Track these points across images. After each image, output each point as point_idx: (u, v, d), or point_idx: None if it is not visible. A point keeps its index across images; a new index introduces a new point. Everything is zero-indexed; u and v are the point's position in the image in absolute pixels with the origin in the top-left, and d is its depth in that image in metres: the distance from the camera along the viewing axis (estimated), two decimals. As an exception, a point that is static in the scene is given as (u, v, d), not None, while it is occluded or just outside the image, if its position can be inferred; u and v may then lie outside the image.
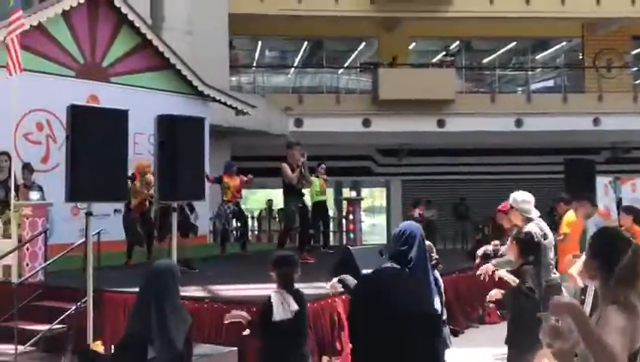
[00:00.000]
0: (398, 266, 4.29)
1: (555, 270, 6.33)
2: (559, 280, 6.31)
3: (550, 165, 19.72)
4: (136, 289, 4.00)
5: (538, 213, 6.41)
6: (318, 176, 12.72)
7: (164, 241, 9.82)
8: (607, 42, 23.53)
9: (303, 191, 10.99)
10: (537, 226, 6.05)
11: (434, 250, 5.42)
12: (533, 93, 22.91)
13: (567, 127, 20.60)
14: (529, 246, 5.42)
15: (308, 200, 11.68)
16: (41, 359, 7.70)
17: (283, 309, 4.65)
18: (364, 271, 4.66)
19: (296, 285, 4.91)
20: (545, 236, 6.06)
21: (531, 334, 4.90)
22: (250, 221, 19.90)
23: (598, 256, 2.65)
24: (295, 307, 4.67)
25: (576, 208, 8.27)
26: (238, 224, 12.47)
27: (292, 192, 10.58)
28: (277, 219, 19.63)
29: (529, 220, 6.17)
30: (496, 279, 5.68)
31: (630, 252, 2.53)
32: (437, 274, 4.97)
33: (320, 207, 12.68)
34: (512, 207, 6.43)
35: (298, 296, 4.79)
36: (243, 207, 12.72)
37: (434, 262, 5.14)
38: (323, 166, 13.11)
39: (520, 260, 5.41)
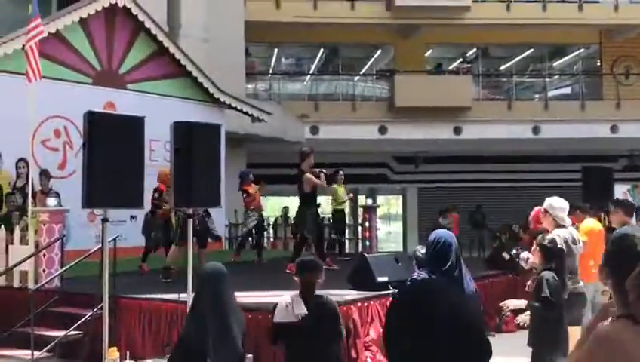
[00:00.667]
0: (434, 275, 4.32)
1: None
2: (584, 288, 6.27)
3: (567, 173, 19.57)
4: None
5: (570, 222, 6.40)
6: (339, 185, 12.76)
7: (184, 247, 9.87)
8: (625, 49, 23.35)
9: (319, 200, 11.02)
10: (568, 232, 6.04)
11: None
12: (550, 100, 22.78)
13: (585, 134, 20.46)
14: (552, 253, 5.41)
15: (327, 208, 11.68)
16: (58, 365, 7.72)
17: (286, 312, 4.65)
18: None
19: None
20: (574, 241, 6.06)
21: (552, 342, 4.87)
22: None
23: (608, 264, 2.58)
24: (302, 311, 4.63)
25: (612, 213, 8.11)
26: (254, 232, 12.48)
27: (309, 201, 10.56)
28: (292, 227, 19.59)
29: (561, 227, 6.18)
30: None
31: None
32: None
33: (340, 215, 12.73)
34: (546, 212, 6.42)
35: (318, 302, 4.75)
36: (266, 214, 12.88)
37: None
38: (341, 173, 13.03)
39: (542, 266, 5.41)
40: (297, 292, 4.79)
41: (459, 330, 1.80)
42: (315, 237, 10.58)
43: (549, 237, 5.68)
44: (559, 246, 5.56)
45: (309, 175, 10.38)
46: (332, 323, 4.83)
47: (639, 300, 2.18)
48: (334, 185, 12.31)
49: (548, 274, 5.27)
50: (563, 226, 6.27)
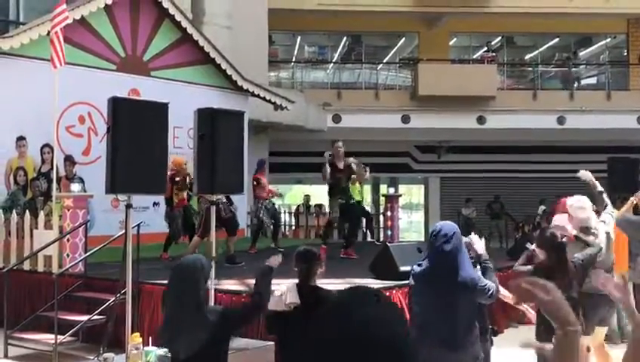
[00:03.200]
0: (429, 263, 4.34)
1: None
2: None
3: (593, 163, 19.27)
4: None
5: (595, 221, 6.13)
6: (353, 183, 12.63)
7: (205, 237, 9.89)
8: (653, 39, 23.03)
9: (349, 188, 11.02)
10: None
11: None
12: (576, 90, 22.50)
13: (611, 125, 20.19)
14: (551, 247, 5.34)
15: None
16: (81, 349, 7.79)
17: (278, 301, 4.62)
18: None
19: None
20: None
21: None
22: (287, 216, 19.94)
23: None
24: (293, 300, 4.58)
25: None
26: (272, 221, 12.40)
27: (331, 190, 10.59)
28: (314, 215, 19.59)
29: (585, 229, 5.96)
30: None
31: None
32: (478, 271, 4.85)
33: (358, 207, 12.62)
34: (570, 215, 6.21)
35: (313, 293, 4.66)
36: (280, 202, 12.77)
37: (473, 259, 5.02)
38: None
39: (546, 262, 5.35)
40: (295, 282, 4.76)
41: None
42: (340, 223, 10.63)
43: (549, 231, 5.54)
44: (558, 241, 5.41)
45: (325, 166, 10.42)
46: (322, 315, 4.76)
47: None
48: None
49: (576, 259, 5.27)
50: (587, 227, 5.97)
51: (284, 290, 4.68)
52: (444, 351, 4.27)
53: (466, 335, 4.40)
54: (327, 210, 11.13)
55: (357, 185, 12.56)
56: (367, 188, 25.52)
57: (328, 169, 10.35)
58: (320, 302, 4.65)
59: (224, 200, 9.42)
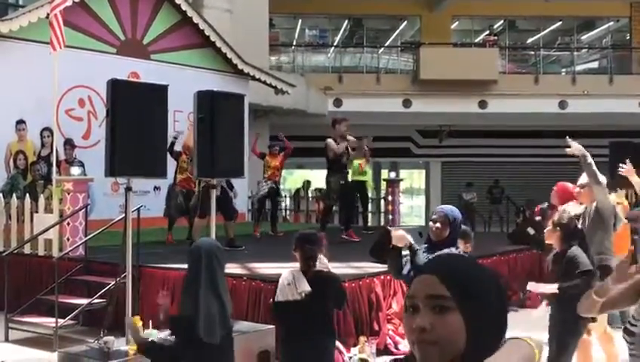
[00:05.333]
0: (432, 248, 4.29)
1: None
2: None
3: (594, 148, 19.19)
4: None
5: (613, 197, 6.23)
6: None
7: (205, 218, 9.84)
8: (656, 22, 22.90)
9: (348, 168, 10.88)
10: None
11: (470, 237, 5.27)
12: (578, 74, 22.40)
13: (613, 109, 20.11)
14: (572, 233, 5.12)
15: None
16: (81, 332, 7.78)
17: (289, 290, 4.50)
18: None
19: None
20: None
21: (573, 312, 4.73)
22: (288, 200, 19.93)
23: None
24: (305, 288, 4.44)
25: None
26: (270, 204, 12.30)
27: (336, 168, 10.47)
28: (314, 199, 19.57)
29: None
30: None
31: None
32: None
33: (358, 187, 12.39)
34: (583, 187, 6.19)
35: (318, 277, 4.56)
36: (281, 186, 12.62)
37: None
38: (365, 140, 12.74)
39: (562, 247, 5.13)
40: (297, 269, 4.61)
41: None
42: (340, 205, 10.52)
43: (566, 215, 5.38)
44: (578, 226, 5.33)
45: (329, 141, 10.30)
46: (338, 299, 4.71)
47: None
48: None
49: (577, 250, 5.04)
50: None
51: (291, 279, 4.53)
52: None
53: None
54: (326, 192, 10.89)
55: (364, 162, 12.32)
56: (369, 172, 25.50)
57: (333, 144, 10.23)
58: (329, 284, 4.61)
59: (223, 183, 9.36)
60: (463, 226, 4.97)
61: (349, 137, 10.50)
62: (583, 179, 6.26)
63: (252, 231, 11.68)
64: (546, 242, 5.73)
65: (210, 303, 3.74)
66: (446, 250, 4.28)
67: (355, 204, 12.06)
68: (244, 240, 10.43)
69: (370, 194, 13.66)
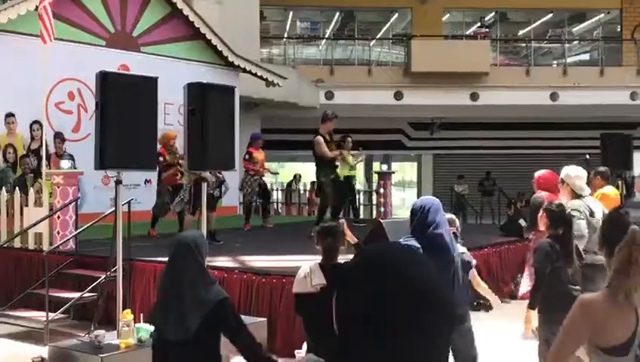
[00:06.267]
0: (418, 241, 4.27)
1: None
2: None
3: (586, 140, 19.33)
4: (166, 259, 3.91)
5: (589, 191, 6.24)
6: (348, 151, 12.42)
7: (197, 214, 9.80)
8: (647, 14, 22.94)
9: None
10: (584, 203, 5.89)
11: (456, 223, 5.27)
12: (569, 66, 22.43)
13: (604, 101, 20.16)
14: (559, 219, 5.13)
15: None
16: (72, 326, 7.75)
17: (305, 282, 4.51)
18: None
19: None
20: (592, 214, 5.89)
21: (557, 302, 4.72)
22: (279, 193, 19.92)
23: (605, 244, 2.75)
24: (320, 281, 4.44)
25: None
26: (260, 199, 12.25)
27: (321, 164, 10.45)
28: (306, 192, 19.55)
29: (579, 197, 6.04)
30: None
31: (623, 242, 2.55)
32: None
33: (349, 181, 12.39)
34: (563, 182, 6.26)
35: (335, 270, 4.55)
36: (273, 180, 12.58)
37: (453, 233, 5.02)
38: (349, 139, 12.71)
39: (549, 232, 5.17)
40: (317, 261, 4.63)
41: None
42: (332, 201, 10.50)
43: (556, 202, 5.45)
44: (567, 211, 5.35)
45: (319, 138, 10.27)
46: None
47: (618, 273, 2.51)
48: (341, 151, 12.09)
49: (543, 243, 5.11)
50: (581, 196, 6.11)
51: (307, 271, 4.55)
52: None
53: (465, 308, 4.42)
54: (318, 186, 10.85)
55: (349, 157, 12.29)
56: (360, 166, 25.48)
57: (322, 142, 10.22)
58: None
59: (213, 178, 9.30)
60: (449, 214, 5.02)
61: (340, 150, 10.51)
62: (564, 173, 6.30)
63: (243, 225, 11.66)
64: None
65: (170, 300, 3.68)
66: (401, 240, 4.37)
67: (345, 198, 12.03)
68: (235, 234, 10.40)
69: (360, 187, 13.70)
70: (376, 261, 1.40)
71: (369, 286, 1.36)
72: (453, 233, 4.95)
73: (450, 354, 4.93)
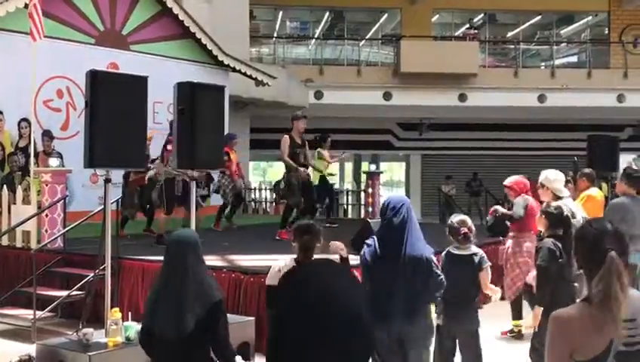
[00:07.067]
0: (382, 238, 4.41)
1: None
2: None
3: (573, 141, 19.47)
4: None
5: (568, 193, 6.44)
6: (325, 149, 12.35)
7: (170, 215, 9.80)
8: (634, 17, 23.09)
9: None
10: (565, 205, 6.01)
11: (468, 223, 5.26)
12: (557, 68, 22.57)
13: (591, 103, 20.31)
14: (557, 220, 5.41)
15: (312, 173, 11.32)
16: (60, 324, 7.74)
17: (278, 276, 4.55)
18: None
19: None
20: (573, 215, 6.00)
21: (562, 298, 4.86)
22: (267, 193, 19.90)
23: (578, 253, 2.72)
24: None
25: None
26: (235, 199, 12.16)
27: (289, 166, 10.31)
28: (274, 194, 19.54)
29: (559, 199, 6.24)
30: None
31: (606, 263, 2.45)
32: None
33: (326, 182, 12.30)
34: (543, 185, 6.51)
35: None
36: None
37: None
38: (329, 140, 12.61)
39: (548, 233, 5.42)
40: (293, 257, 4.68)
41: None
42: (298, 202, 10.40)
43: (554, 204, 5.68)
44: (565, 213, 5.53)
45: (284, 138, 10.23)
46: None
47: (595, 286, 2.45)
48: (319, 150, 12.05)
49: (547, 242, 5.31)
50: (560, 198, 6.33)
51: (282, 266, 4.64)
52: (397, 322, 4.26)
53: (420, 308, 4.40)
54: (283, 189, 10.72)
55: (325, 155, 12.27)
56: (349, 166, 25.55)
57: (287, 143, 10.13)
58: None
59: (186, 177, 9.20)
60: (461, 216, 5.32)
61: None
62: (542, 176, 6.53)
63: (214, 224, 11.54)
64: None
65: (167, 298, 3.69)
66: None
67: (322, 198, 11.97)
68: (222, 233, 10.39)
69: (349, 187, 13.69)
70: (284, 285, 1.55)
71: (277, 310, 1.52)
72: (465, 234, 5.03)
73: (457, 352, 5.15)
